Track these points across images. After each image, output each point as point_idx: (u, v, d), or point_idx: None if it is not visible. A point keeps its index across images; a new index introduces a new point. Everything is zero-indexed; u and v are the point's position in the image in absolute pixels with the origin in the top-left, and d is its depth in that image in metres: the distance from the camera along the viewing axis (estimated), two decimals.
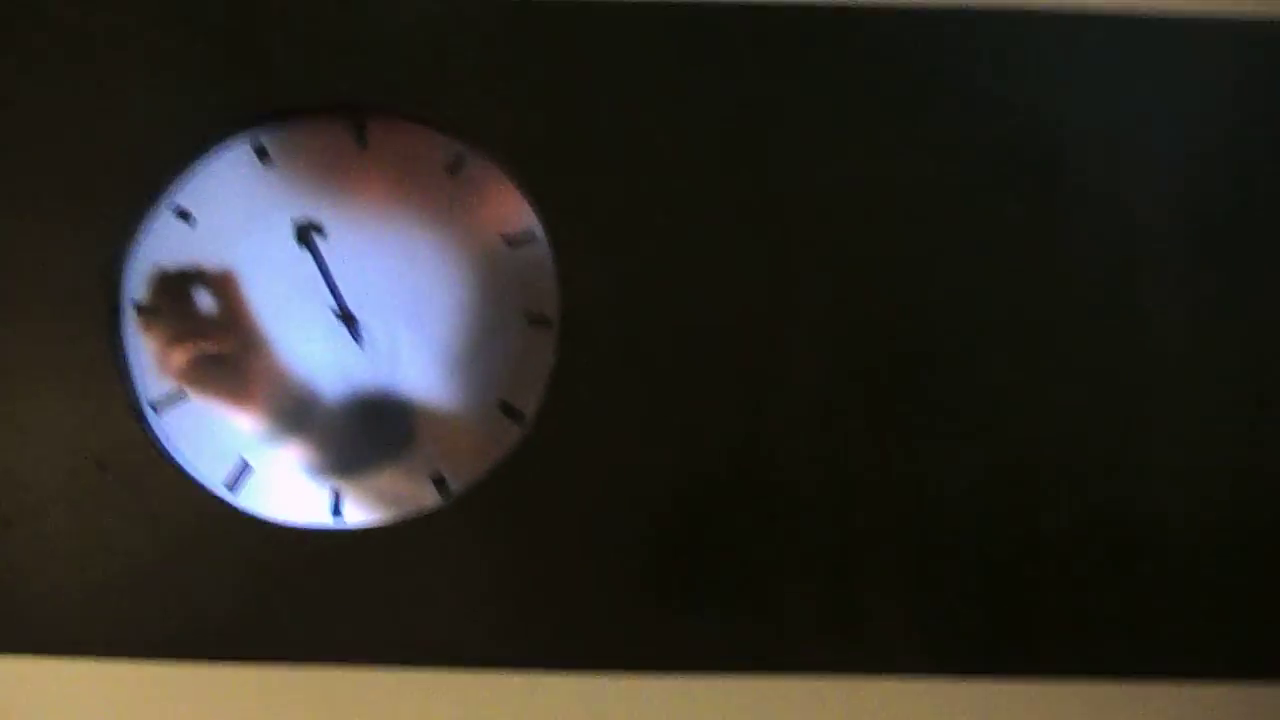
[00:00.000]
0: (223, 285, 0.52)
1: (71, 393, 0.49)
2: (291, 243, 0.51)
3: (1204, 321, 0.52)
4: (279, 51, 0.53)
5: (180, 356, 0.51)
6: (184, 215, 0.52)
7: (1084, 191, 0.53)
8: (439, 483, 0.51)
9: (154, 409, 0.51)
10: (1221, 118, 0.54)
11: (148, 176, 0.51)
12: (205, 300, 0.52)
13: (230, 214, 0.53)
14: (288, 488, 0.51)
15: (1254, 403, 0.51)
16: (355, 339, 0.52)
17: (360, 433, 0.52)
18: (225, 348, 0.52)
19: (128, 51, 0.52)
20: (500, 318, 0.53)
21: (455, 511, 0.50)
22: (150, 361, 0.51)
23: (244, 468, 0.51)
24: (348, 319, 0.52)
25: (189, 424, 0.51)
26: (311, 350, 0.52)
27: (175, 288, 0.52)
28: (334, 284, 0.51)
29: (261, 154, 0.53)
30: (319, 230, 0.51)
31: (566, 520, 0.49)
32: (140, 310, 0.52)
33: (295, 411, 0.52)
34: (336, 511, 0.51)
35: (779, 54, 0.54)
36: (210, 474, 0.50)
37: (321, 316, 0.52)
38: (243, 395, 0.52)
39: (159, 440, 0.50)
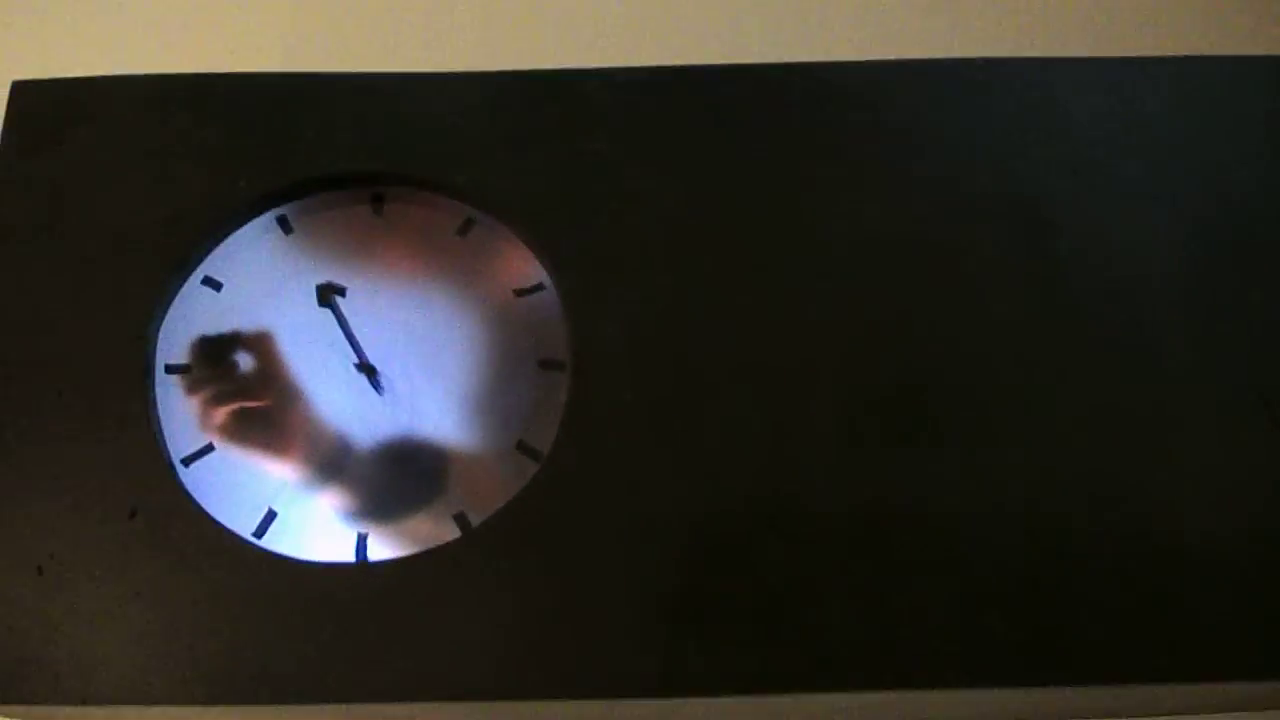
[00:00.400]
0: (259, 344, 0.55)
1: (104, 447, 0.51)
2: (314, 305, 0.53)
3: (1210, 341, 0.54)
4: (300, 131, 0.57)
5: (221, 413, 0.54)
6: (213, 283, 0.56)
7: (1090, 228, 0.55)
8: (462, 523, 0.52)
9: (184, 463, 0.52)
10: (1217, 153, 0.57)
11: (178, 248, 0.55)
12: (243, 360, 0.55)
13: (256, 280, 0.56)
14: (313, 534, 0.52)
15: (1265, 417, 0.52)
16: (376, 389, 0.54)
17: (385, 477, 0.53)
18: (263, 402, 0.54)
19: (161, 134, 0.57)
20: (514, 363, 0.55)
21: (475, 545, 0.50)
22: (185, 419, 0.53)
23: (270, 516, 0.52)
24: (368, 371, 0.54)
25: (216, 477, 0.52)
26: (336, 402, 0.54)
27: (215, 350, 0.55)
28: (354, 338, 0.54)
29: (284, 225, 0.57)
30: (339, 291, 0.54)
31: (586, 549, 0.50)
32: (176, 370, 0.54)
33: (326, 459, 0.53)
34: (361, 556, 0.51)
35: (787, 110, 0.57)
36: (237, 522, 0.51)
37: (344, 371, 0.54)
38: (278, 447, 0.54)
39: (188, 491, 0.51)
